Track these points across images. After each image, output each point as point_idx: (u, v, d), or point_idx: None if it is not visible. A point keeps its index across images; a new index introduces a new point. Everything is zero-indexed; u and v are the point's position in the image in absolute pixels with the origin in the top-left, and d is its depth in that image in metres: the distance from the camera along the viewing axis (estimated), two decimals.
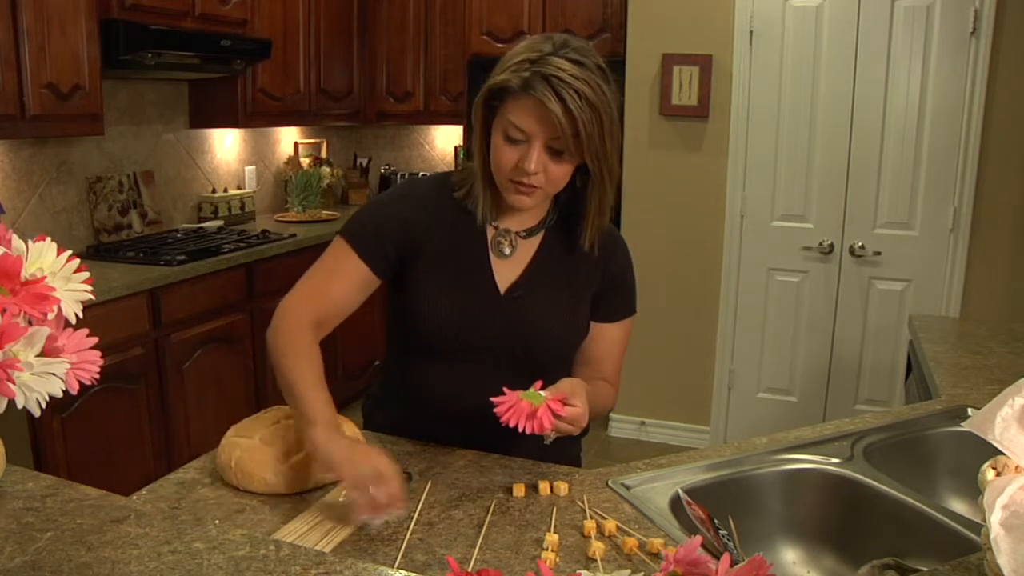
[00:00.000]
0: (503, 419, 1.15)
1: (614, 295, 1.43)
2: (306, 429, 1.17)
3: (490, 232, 1.36)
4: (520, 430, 1.15)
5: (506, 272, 1.36)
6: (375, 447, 1.21)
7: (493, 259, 1.36)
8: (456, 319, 1.34)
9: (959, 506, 1.45)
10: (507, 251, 1.36)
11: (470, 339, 1.35)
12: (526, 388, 1.21)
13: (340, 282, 1.34)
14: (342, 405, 3.07)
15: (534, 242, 1.38)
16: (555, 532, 1.11)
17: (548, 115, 1.17)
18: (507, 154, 1.23)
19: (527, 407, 1.15)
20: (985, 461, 0.90)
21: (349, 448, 1.15)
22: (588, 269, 1.39)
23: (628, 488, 1.25)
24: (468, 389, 1.36)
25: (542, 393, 1.19)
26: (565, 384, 1.21)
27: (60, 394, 0.77)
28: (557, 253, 1.38)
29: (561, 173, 1.25)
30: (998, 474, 0.88)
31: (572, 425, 1.19)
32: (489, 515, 1.15)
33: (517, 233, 1.37)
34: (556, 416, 1.16)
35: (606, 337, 1.44)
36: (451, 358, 1.37)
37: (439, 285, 1.34)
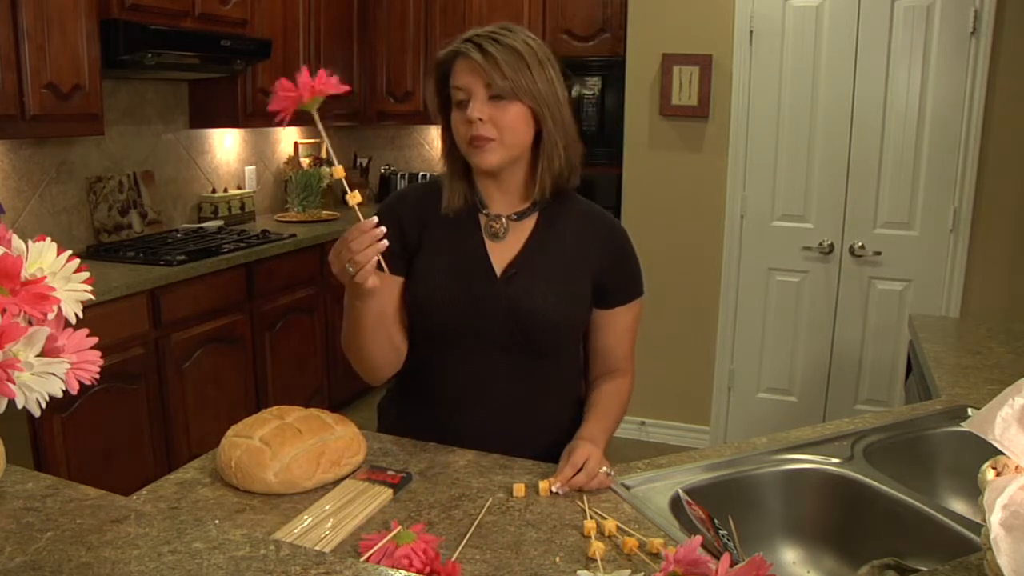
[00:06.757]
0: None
1: (616, 278, 1.44)
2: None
3: (482, 220, 1.41)
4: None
5: (501, 255, 1.40)
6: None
7: (488, 243, 1.40)
8: (457, 304, 1.37)
9: (959, 506, 1.45)
10: (501, 234, 1.40)
11: (472, 324, 1.38)
12: (533, 373, 1.37)
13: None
14: (343, 404, 3.09)
15: (528, 224, 1.41)
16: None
17: (475, 65, 1.29)
18: (459, 118, 1.32)
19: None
20: (985, 461, 0.90)
21: None
22: (584, 251, 1.42)
23: (628, 488, 1.25)
24: (477, 376, 1.40)
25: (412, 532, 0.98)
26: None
27: (60, 394, 0.77)
28: (551, 234, 1.41)
29: (508, 118, 1.30)
30: (998, 474, 0.88)
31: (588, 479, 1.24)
32: (489, 515, 1.15)
33: (508, 217, 1.41)
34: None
35: (614, 325, 1.46)
36: (457, 345, 1.39)
37: (439, 272, 1.39)
